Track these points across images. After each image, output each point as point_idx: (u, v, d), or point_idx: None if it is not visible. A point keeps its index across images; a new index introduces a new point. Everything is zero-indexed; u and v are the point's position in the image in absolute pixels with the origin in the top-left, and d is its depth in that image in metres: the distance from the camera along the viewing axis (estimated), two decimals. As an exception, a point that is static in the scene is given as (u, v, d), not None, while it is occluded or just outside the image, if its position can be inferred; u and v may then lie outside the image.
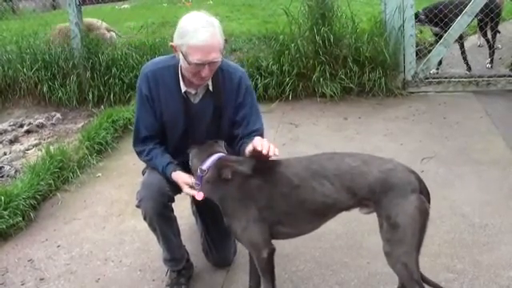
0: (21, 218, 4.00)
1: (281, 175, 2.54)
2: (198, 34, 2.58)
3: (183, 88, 2.84)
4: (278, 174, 2.54)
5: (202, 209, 3.30)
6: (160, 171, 2.88)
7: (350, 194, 2.44)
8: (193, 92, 2.87)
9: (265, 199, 2.53)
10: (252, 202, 2.54)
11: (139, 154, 3.00)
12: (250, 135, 2.86)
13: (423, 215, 2.40)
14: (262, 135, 2.89)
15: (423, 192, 2.43)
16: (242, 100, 2.92)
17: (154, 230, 2.95)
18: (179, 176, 2.82)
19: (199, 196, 2.69)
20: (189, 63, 2.63)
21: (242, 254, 3.31)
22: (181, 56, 2.68)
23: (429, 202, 2.45)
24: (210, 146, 2.77)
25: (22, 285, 3.36)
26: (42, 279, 3.40)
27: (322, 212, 2.55)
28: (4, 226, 3.87)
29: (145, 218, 2.89)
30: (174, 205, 2.97)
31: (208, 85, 2.86)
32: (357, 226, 3.51)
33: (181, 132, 2.93)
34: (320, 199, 2.47)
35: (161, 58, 3.04)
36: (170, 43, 2.74)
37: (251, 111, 2.96)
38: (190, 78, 2.74)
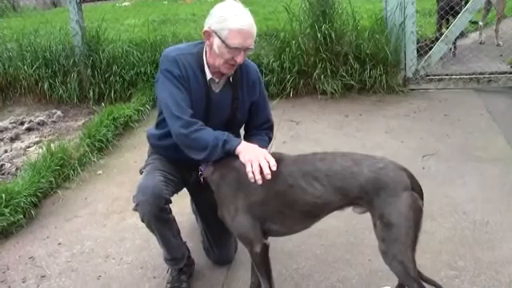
0: (22, 216, 4.00)
1: (278, 173, 2.52)
2: (241, 19, 2.66)
3: (209, 75, 2.85)
4: (276, 171, 2.53)
5: (201, 207, 3.30)
6: (222, 137, 2.65)
7: (342, 195, 2.44)
8: (216, 80, 2.89)
9: (258, 195, 2.53)
10: (243, 194, 2.55)
11: (189, 124, 2.68)
12: (261, 126, 3.08)
13: (416, 212, 2.39)
14: (272, 127, 3.15)
15: (415, 189, 2.42)
16: (257, 96, 3.02)
17: (152, 231, 2.94)
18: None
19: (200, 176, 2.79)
20: (227, 47, 2.67)
21: (243, 251, 3.29)
22: (216, 41, 2.70)
23: (422, 198, 2.45)
24: None
25: (23, 282, 3.36)
26: (43, 276, 3.40)
27: (314, 212, 2.55)
28: (5, 224, 3.87)
29: (142, 221, 2.88)
30: (174, 202, 2.96)
31: (229, 75, 2.91)
32: (358, 223, 3.51)
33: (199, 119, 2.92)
34: (311, 200, 2.47)
35: (182, 45, 3.01)
36: (204, 29, 2.75)
37: (264, 105, 3.09)
38: (220, 65, 2.76)
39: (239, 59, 2.71)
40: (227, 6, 2.72)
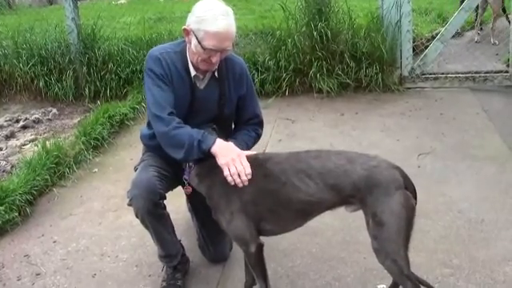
0: (17, 214, 3.99)
1: (269, 172, 2.53)
2: (217, 21, 2.64)
3: (193, 72, 2.86)
4: (267, 170, 2.54)
5: (196, 205, 3.30)
6: (197, 137, 2.61)
7: (335, 193, 2.44)
8: (201, 77, 2.90)
9: (251, 194, 2.53)
10: (236, 195, 2.54)
11: (168, 122, 2.69)
12: (248, 121, 3.05)
13: (409, 211, 2.39)
14: (260, 123, 3.10)
15: (409, 188, 2.42)
16: (244, 91, 3.00)
17: (146, 227, 2.95)
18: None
19: (187, 190, 2.76)
20: (203, 48, 2.68)
21: (238, 249, 3.30)
22: (193, 40, 2.71)
23: (415, 197, 2.45)
24: None
25: (18, 280, 3.36)
26: (38, 274, 3.39)
27: (307, 211, 2.55)
28: (0, 222, 3.86)
29: (137, 216, 2.89)
30: (170, 200, 2.97)
31: (214, 71, 2.91)
32: (353, 221, 3.51)
33: (181, 117, 2.91)
34: (305, 198, 2.47)
35: (167, 44, 3.02)
36: (184, 27, 2.76)
37: (251, 99, 3.06)
38: (198, 62, 2.78)
39: (214, 60, 2.72)
40: (207, 5, 2.70)
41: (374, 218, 2.37)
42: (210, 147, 2.59)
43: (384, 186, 2.36)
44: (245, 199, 2.53)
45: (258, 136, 3.11)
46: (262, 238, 2.65)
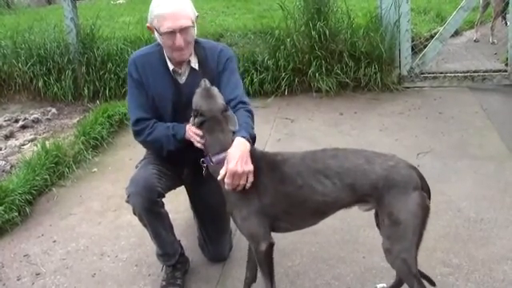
0: (16, 214, 3.99)
1: (286, 175, 2.52)
2: (164, 2, 2.70)
3: (171, 66, 2.88)
4: (285, 173, 2.52)
5: (196, 205, 3.30)
6: (170, 133, 2.81)
7: (351, 192, 2.44)
8: (179, 71, 2.91)
9: (269, 197, 2.52)
10: (256, 196, 2.53)
11: (140, 132, 2.90)
12: (230, 104, 2.79)
13: (424, 212, 2.41)
14: (243, 102, 2.84)
15: (424, 188, 2.44)
16: (221, 69, 2.94)
17: (144, 225, 2.95)
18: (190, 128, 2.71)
19: (205, 173, 2.67)
20: (161, 34, 2.72)
21: (238, 248, 3.31)
22: (156, 34, 2.77)
23: (429, 198, 2.46)
24: (226, 133, 2.62)
25: (18, 280, 3.36)
26: (38, 274, 3.39)
27: (322, 210, 2.56)
28: (0, 222, 3.86)
29: (134, 213, 2.90)
30: (169, 200, 2.97)
31: (190, 62, 2.90)
32: (353, 221, 3.52)
33: (169, 114, 2.92)
34: (321, 199, 2.47)
35: (145, 46, 3.08)
36: (147, 25, 2.83)
37: (229, 79, 2.92)
38: (171, 54, 2.82)
39: (178, 42, 2.72)
40: None
41: (389, 216, 2.38)
42: (183, 135, 2.76)
43: (402, 185, 2.38)
44: (263, 201, 2.53)
45: (251, 113, 2.85)
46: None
